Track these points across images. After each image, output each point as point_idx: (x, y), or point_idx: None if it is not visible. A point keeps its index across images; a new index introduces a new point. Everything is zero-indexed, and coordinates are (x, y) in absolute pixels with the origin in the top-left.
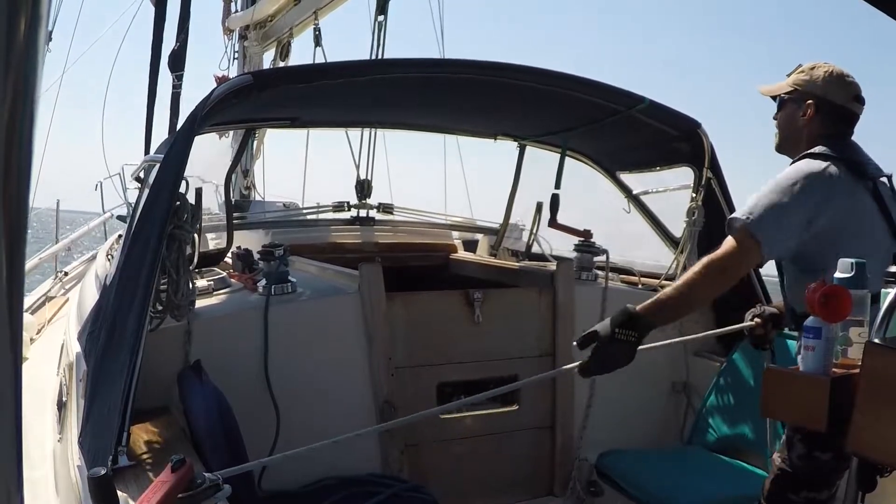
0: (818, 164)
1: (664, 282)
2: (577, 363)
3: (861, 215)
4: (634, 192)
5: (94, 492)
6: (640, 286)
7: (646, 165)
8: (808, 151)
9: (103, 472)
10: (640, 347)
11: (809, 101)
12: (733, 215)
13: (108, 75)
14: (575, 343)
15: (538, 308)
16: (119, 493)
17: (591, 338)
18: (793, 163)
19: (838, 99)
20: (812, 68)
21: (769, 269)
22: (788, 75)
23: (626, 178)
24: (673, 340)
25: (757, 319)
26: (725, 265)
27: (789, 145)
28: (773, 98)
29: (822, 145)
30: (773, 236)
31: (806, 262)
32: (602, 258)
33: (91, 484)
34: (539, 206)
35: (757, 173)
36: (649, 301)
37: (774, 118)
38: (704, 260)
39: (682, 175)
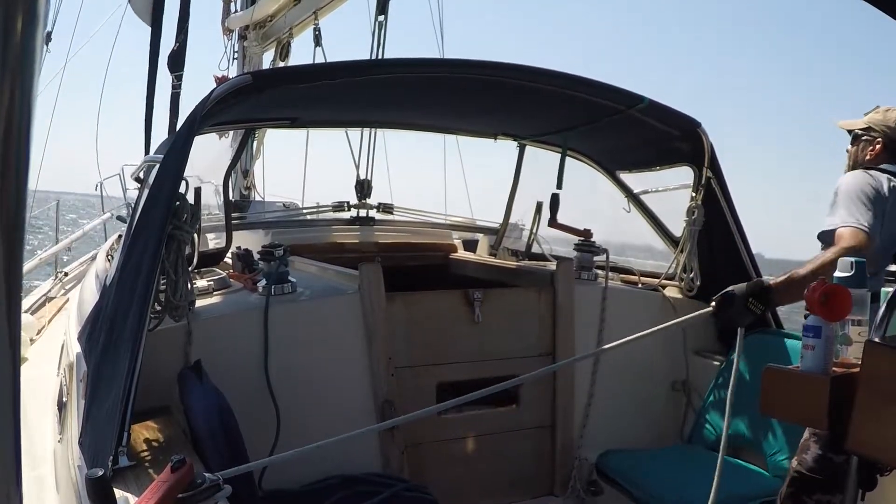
0: (872, 173)
1: (664, 281)
2: (578, 356)
3: None
4: (634, 192)
5: (92, 493)
6: (639, 285)
7: (646, 165)
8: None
9: (101, 472)
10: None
11: (879, 140)
12: (833, 227)
13: (108, 76)
14: (713, 302)
15: (538, 308)
16: (120, 492)
17: (728, 297)
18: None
19: None
20: (887, 111)
21: (769, 268)
22: (866, 114)
23: (625, 177)
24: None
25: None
26: (855, 250)
27: None
28: (849, 132)
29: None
30: (874, 228)
31: None
32: (602, 258)
33: (89, 485)
34: (539, 206)
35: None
36: (781, 278)
37: (847, 150)
38: (834, 248)
39: (682, 174)
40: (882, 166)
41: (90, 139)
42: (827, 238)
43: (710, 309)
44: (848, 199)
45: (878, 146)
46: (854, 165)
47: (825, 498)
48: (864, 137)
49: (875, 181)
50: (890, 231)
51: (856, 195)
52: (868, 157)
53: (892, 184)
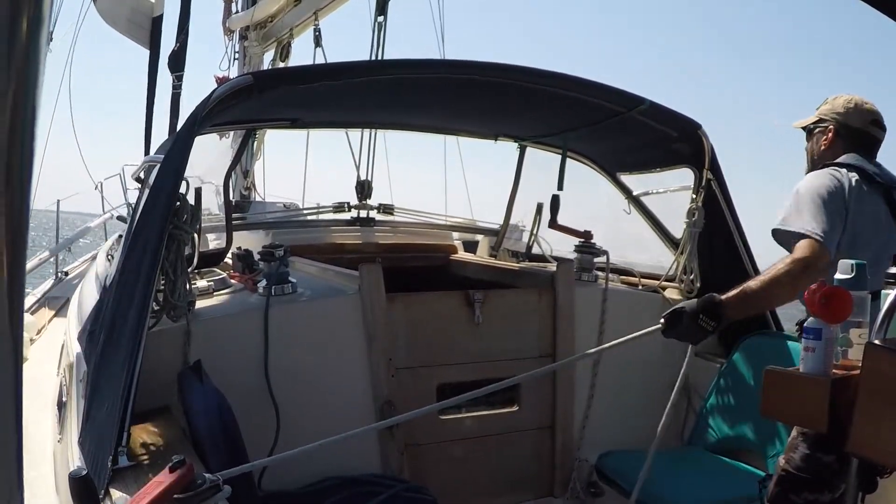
0: (835, 172)
1: (664, 282)
2: (578, 355)
3: (873, 220)
4: (635, 193)
5: (75, 492)
6: (640, 287)
7: (646, 166)
8: (825, 163)
9: (84, 472)
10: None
11: (831, 127)
12: (791, 229)
13: (110, 78)
14: (662, 319)
15: (538, 309)
16: (118, 493)
17: (677, 314)
18: (809, 171)
19: (856, 123)
20: (834, 98)
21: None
22: (817, 109)
23: (626, 179)
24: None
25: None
26: (808, 263)
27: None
28: (804, 129)
29: (841, 157)
30: (833, 240)
31: None
32: (602, 259)
33: (72, 484)
34: (539, 207)
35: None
36: (734, 293)
37: (805, 149)
38: (787, 259)
39: (683, 176)
40: (842, 160)
41: (92, 143)
42: (784, 239)
43: (660, 326)
44: (809, 201)
45: (830, 134)
46: (812, 162)
47: (812, 497)
48: (817, 130)
49: (837, 180)
50: (853, 231)
51: (818, 198)
52: (823, 147)
53: (853, 179)
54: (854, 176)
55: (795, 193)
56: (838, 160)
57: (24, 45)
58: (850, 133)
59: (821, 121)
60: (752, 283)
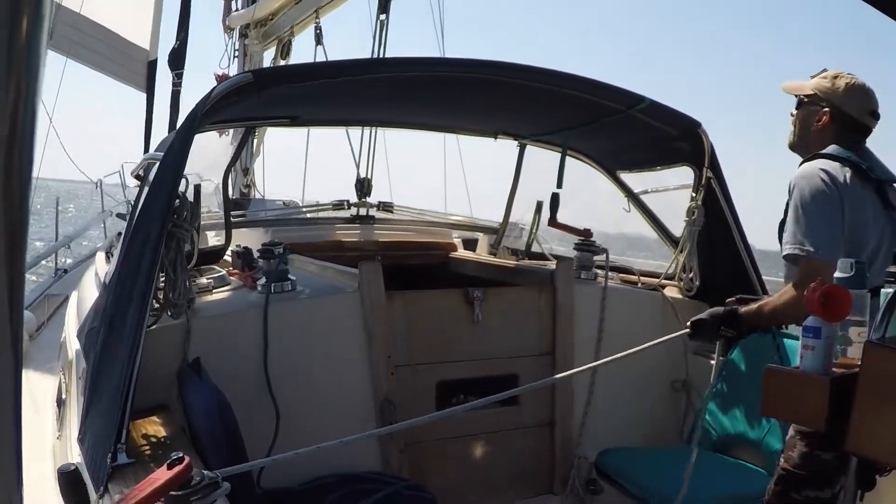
0: (826, 166)
1: (664, 281)
2: (578, 368)
3: (868, 215)
4: (634, 192)
5: (63, 487)
6: (639, 285)
7: (646, 165)
8: (816, 153)
9: (73, 467)
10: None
11: (826, 109)
12: (794, 252)
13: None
14: (688, 324)
15: (538, 307)
16: (116, 489)
17: (700, 323)
18: (801, 163)
19: (854, 111)
20: (835, 76)
21: (769, 270)
22: (812, 77)
23: (626, 177)
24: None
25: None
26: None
27: (802, 146)
28: (795, 96)
29: (832, 146)
30: (833, 248)
31: None
32: (602, 257)
33: (60, 479)
34: (539, 205)
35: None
36: (753, 308)
37: (792, 114)
38: (794, 281)
39: (682, 174)
40: (833, 152)
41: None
42: (789, 259)
43: (686, 331)
44: (804, 214)
45: (825, 117)
46: (801, 135)
47: (813, 493)
48: (811, 107)
49: (830, 178)
50: (851, 228)
51: (812, 207)
52: (815, 129)
53: (847, 174)
54: (848, 171)
55: (793, 209)
56: (829, 151)
57: (23, 44)
58: (846, 120)
59: (816, 97)
60: (770, 302)
